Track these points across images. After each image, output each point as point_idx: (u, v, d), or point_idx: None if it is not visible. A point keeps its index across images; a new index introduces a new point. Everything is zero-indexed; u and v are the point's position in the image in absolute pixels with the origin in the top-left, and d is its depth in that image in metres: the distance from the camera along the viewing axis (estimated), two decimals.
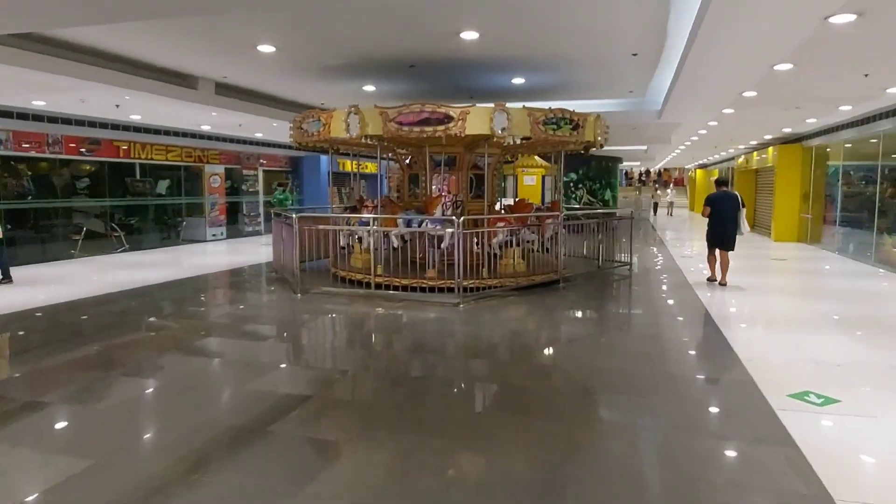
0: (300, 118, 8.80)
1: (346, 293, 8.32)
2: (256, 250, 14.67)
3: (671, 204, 33.57)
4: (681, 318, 7.49)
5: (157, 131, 14.93)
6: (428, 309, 7.49)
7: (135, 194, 15.25)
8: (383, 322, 7.16)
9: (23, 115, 11.57)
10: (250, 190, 18.79)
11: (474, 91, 10.40)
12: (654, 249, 14.61)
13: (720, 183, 9.50)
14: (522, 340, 6.43)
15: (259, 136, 17.84)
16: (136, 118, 13.21)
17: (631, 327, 7.16)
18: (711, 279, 9.18)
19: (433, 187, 9.54)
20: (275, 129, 14.85)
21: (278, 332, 6.81)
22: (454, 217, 7.72)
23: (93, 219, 14.41)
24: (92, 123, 13.20)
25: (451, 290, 7.91)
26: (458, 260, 7.58)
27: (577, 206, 18.33)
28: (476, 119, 7.64)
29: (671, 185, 38.87)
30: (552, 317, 7.50)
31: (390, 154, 10.52)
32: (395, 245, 8.57)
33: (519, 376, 5.10)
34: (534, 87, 10.17)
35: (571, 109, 8.34)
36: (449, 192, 8.70)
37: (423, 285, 8.09)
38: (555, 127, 8.14)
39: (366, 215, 9.03)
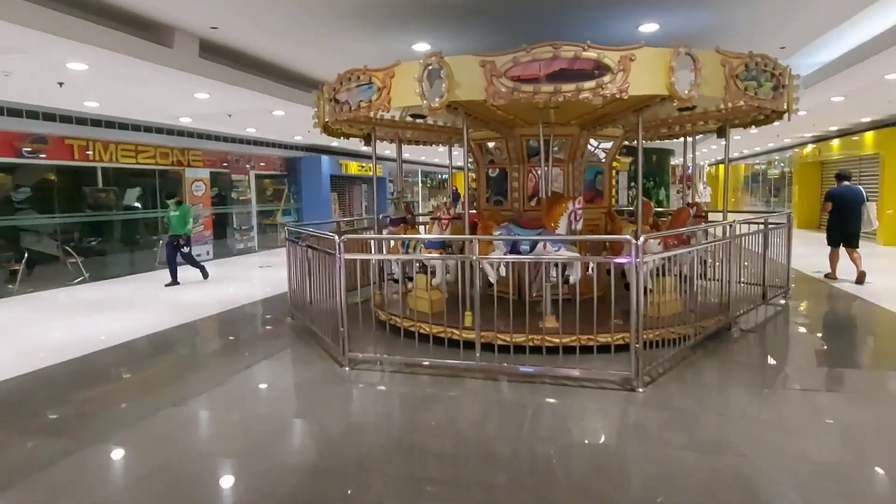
0: (335, 83, 5.51)
1: (423, 366, 5.08)
2: (252, 274, 11.48)
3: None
4: None
5: (123, 125, 11.64)
6: (581, 398, 4.31)
7: (96, 207, 11.88)
8: (526, 444, 3.68)
9: None
10: (241, 199, 15.57)
11: None
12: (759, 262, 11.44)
13: (841, 177, 8.84)
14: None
15: (251, 131, 14.61)
16: (92, 106, 9.91)
17: None
18: (830, 276, 8.83)
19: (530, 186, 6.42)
20: (272, 121, 11.63)
21: (341, 483, 3.53)
22: (630, 237, 4.52)
23: (45, 239, 11.11)
24: (33, 114, 9.92)
25: (573, 349, 4.81)
26: (637, 307, 4.39)
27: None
28: (645, 70, 4.49)
29: (704, 183, 35.94)
30: (828, 413, 4.10)
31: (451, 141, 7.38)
32: (493, 279, 5.40)
33: None
34: (663, 39, 7.06)
35: (774, 57, 5.24)
36: (575, 197, 5.58)
37: (543, 344, 4.91)
38: (756, 85, 5.02)
39: (439, 235, 5.90)
